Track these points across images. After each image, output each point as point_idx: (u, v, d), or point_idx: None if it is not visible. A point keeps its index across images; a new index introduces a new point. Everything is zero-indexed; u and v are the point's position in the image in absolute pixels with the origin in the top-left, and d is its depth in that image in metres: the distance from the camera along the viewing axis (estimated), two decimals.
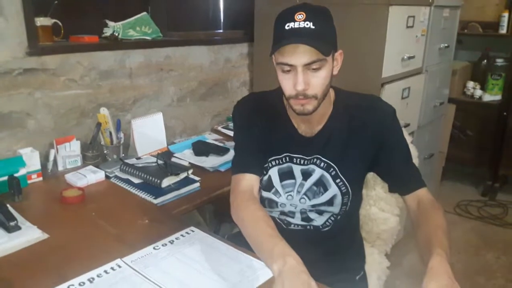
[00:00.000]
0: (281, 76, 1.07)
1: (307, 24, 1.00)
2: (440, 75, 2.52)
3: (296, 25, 1.00)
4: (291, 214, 1.24)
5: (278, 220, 1.27)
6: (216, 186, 1.32)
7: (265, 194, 1.25)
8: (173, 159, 1.80)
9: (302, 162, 1.19)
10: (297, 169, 1.20)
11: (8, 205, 1.29)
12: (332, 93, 1.18)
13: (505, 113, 3.16)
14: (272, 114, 1.20)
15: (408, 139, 1.45)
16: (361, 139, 1.15)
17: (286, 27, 1.01)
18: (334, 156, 1.17)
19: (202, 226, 1.24)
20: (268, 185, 1.23)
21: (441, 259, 0.90)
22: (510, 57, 3.15)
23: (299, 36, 1.00)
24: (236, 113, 1.25)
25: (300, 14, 1.01)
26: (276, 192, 1.22)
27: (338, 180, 1.17)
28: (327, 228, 1.24)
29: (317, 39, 1.00)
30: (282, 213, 1.25)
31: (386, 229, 1.47)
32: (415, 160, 1.44)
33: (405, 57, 2.07)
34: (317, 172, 1.18)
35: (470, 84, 3.33)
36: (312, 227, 1.24)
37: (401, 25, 1.99)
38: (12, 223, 1.18)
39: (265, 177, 1.23)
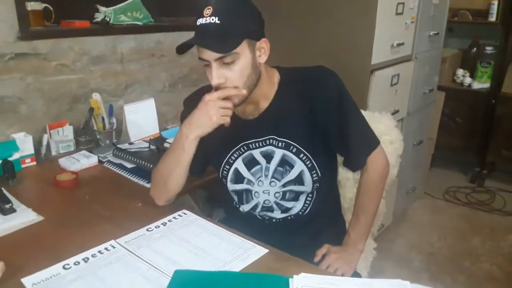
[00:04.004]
0: (205, 69, 1.09)
1: (212, 20, 1.00)
2: (429, 62, 2.55)
3: (203, 21, 1.01)
4: (269, 208, 1.26)
5: (259, 217, 1.29)
6: (208, 171, 1.34)
7: (239, 186, 1.25)
8: (166, 145, 1.81)
9: (257, 145, 1.20)
10: (257, 153, 1.20)
11: (2, 189, 1.31)
12: (275, 74, 1.19)
13: (493, 101, 3.21)
14: None
15: (392, 123, 1.49)
16: (310, 112, 1.16)
17: (198, 23, 1.03)
18: (289, 134, 1.17)
19: (195, 211, 1.26)
20: (237, 178, 1.24)
21: (349, 239, 1.26)
22: (499, 45, 3.18)
23: (204, 34, 1.02)
24: (184, 110, 1.25)
25: (208, 9, 1.01)
26: (249, 182, 1.24)
27: (301, 155, 1.18)
28: (306, 212, 1.27)
29: (219, 37, 1.00)
30: (262, 209, 1.26)
31: None
32: (400, 144, 1.48)
33: (395, 44, 2.09)
34: (278, 153, 1.19)
35: (460, 71, 3.37)
36: (292, 216, 1.27)
37: (391, 12, 2.00)
38: (7, 206, 1.20)
39: (231, 171, 1.24)
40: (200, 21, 1.02)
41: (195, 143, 1.15)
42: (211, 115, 1.09)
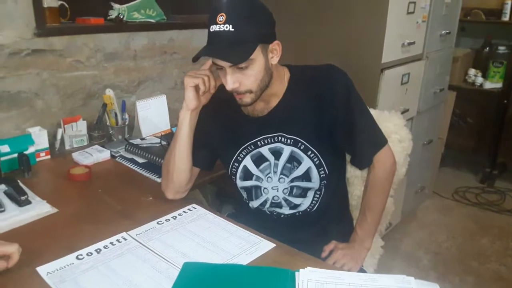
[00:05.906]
0: (218, 71, 1.11)
1: (226, 27, 0.99)
2: (440, 61, 2.54)
3: (217, 28, 1.00)
4: (278, 204, 1.27)
5: (268, 212, 1.31)
6: (217, 166, 1.37)
7: (248, 183, 1.27)
8: None
9: (266, 142, 1.21)
10: (265, 150, 1.22)
11: (18, 181, 1.35)
12: (286, 72, 1.20)
13: (505, 101, 3.19)
14: (227, 111, 1.23)
15: (402, 122, 1.49)
16: (318, 110, 1.17)
17: (211, 29, 1.02)
18: (297, 131, 1.19)
19: (204, 205, 1.29)
20: (246, 175, 1.26)
21: (356, 236, 1.28)
22: None
23: (218, 43, 1.02)
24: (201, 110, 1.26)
25: (221, 16, 1.00)
26: (258, 178, 1.25)
27: (309, 152, 1.19)
28: (314, 209, 1.28)
29: (234, 46, 1.01)
30: (271, 205, 1.28)
31: None
32: (409, 143, 1.48)
33: (405, 43, 2.09)
34: (286, 150, 1.20)
35: (472, 71, 3.35)
36: (300, 213, 1.29)
37: (402, 11, 2.00)
38: (23, 198, 1.24)
39: (240, 168, 1.26)
40: (214, 27, 1.01)
41: (187, 117, 1.22)
42: (185, 84, 1.18)
